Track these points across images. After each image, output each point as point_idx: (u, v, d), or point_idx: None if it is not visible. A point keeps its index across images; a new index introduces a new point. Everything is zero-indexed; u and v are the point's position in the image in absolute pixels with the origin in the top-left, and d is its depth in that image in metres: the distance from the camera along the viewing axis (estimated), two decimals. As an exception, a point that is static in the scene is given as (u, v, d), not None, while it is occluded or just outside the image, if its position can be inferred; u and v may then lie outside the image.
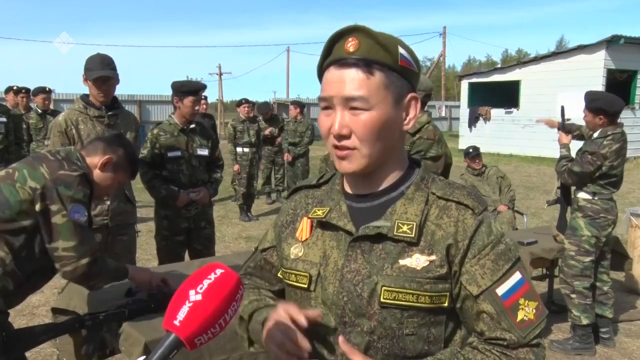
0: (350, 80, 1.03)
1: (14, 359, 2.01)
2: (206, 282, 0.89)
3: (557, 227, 4.24)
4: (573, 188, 3.96)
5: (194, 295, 0.87)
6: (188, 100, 3.77)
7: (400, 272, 1.03)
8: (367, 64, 1.03)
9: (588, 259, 3.83)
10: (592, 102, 3.79)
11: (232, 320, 0.92)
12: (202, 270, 0.91)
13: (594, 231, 3.80)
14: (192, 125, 3.88)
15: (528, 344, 1.03)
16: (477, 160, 6.17)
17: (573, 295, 3.85)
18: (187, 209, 3.83)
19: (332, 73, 1.05)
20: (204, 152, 3.90)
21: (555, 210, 8.61)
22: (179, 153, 3.77)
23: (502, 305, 1.03)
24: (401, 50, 1.06)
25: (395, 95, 1.06)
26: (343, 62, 1.04)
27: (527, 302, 1.04)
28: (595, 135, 3.78)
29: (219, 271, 0.91)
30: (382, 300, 1.03)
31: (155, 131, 3.83)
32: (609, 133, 3.72)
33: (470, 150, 6.27)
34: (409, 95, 1.08)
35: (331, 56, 1.07)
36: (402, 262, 1.04)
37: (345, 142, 1.05)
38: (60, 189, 1.96)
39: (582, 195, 3.85)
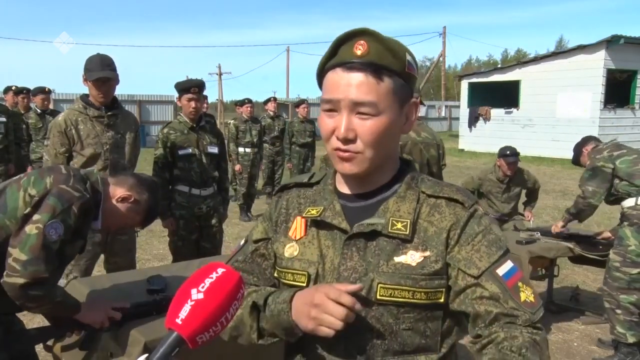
0: (359, 85, 1.02)
1: (16, 356, 2.01)
2: (208, 281, 0.89)
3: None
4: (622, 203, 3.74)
5: (196, 294, 0.88)
6: (184, 99, 3.89)
7: (396, 269, 1.04)
8: (376, 69, 1.02)
9: (635, 270, 3.54)
10: (573, 159, 4.16)
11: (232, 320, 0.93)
12: (203, 270, 0.92)
13: None
14: (202, 123, 3.97)
15: (537, 325, 1.00)
16: (513, 167, 5.25)
17: (618, 311, 3.58)
18: (199, 208, 3.91)
19: (339, 75, 1.03)
20: (214, 149, 3.99)
21: (556, 210, 8.62)
22: (189, 150, 3.86)
23: (505, 284, 1.02)
24: (408, 57, 1.06)
25: (400, 102, 1.06)
26: (351, 65, 1.02)
27: (525, 286, 1.04)
28: None
29: (220, 270, 0.91)
30: (378, 297, 1.04)
31: (165, 130, 3.90)
32: (592, 153, 3.85)
33: (508, 152, 5.21)
34: (411, 101, 1.10)
35: (336, 57, 1.05)
36: (397, 259, 1.05)
37: (350, 146, 1.04)
38: (50, 199, 1.89)
39: (625, 202, 3.64)
